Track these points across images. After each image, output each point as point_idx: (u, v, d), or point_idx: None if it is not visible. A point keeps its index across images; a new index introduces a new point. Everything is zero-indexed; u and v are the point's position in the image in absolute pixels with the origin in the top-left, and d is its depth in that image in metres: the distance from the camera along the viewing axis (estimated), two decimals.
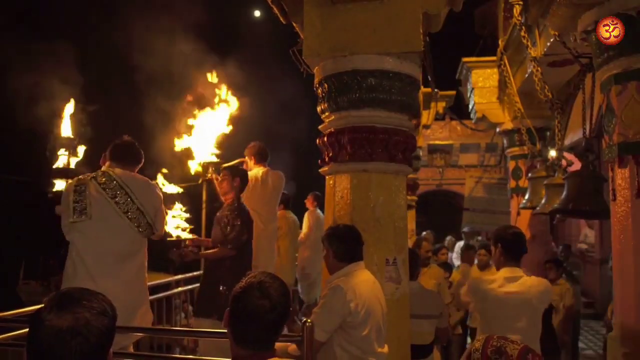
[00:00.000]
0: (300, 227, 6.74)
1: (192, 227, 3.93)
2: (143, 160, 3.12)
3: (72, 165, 3.53)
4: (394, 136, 2.73)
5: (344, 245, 2.53)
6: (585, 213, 4.56)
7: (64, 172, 3.42)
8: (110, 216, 2.82)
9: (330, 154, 2.84)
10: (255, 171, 4.59)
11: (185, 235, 3.79)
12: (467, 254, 6.33)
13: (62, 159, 3.49)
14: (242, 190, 3.93)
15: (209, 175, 4.36)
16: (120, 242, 2.84)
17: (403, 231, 2.82)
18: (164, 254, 3.44)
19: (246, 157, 4.71)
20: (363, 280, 2.49)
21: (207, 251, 3.91)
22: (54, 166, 3.46)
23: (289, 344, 2.36)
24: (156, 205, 2.98)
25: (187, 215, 3.94)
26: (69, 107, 3.61)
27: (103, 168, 2.98)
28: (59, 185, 3.35)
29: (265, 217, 4.49)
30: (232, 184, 3.86)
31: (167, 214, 3.36)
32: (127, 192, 2.84)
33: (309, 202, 6.89)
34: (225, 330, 1.55)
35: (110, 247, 2.81)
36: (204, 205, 4.81)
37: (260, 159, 4.69)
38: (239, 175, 3.92)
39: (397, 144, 2.74)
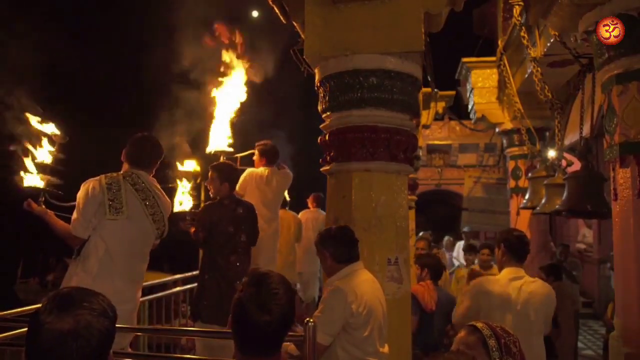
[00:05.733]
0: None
1: (196, 203, 3.98)
2: (161, 156, 3.12)
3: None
4: (395, 136, 2.73)
5: (341, 246, 2.51)
6: (586, 213, 4.57)
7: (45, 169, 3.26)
8: (140, 217, 2.88)
9: (332, 154, 2.83)
10: (261, 170, 4.61)
11: (187, 207, 3.85)
12: (473, 274, 5.95)
13: (42, 154, 3.30)
14: (231, 190, 3.91)
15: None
16: (145, 243, 2.93)
17: (404, 231, 2.82)
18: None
19: (256, 153, 4.73)
20: (363, 281, 2.47)
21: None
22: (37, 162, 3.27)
23: (288, 343, 2.35)
24: (169, 212, 3.09)
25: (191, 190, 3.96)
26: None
27: (126, 169, 3.00)
28: (33, 181, 3.20)
29: (268, 217, 4.50)
30: (218, 188, 3.86)
31: None
32: (154, 196, 2.93)
33: (309, 202, 6.91)
34: (220, 330, 1.53)
35: (139, 248, 2.88)
36: (202, 205, 4.79)
37: (268, 161, 4.71)
38: (228, 180, 3.89)
39: (398, 143, 2.74)
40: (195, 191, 4.04)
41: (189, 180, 3.92)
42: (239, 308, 1.46)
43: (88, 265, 2.76)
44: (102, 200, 2.78)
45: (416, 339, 3.94)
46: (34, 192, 3.02)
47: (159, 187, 3.07)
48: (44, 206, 2.97)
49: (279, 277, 1.52)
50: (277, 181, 4.63)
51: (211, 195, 3.99)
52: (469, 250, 6.69)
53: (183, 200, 3.88)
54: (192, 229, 3.75)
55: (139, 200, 2.87)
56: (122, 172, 2.97)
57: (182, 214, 3.74)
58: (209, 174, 3.94)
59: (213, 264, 3.68)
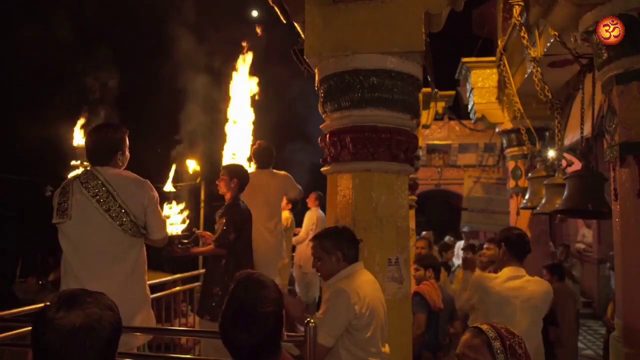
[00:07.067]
0: (299, 226, 6.74)
1: (187, 222, 3.87)
2: (122, 147, 2.86)
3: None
4: (396, 135, 2.72)
5: (353, 246, 2.49)
6: (587, 213, 4.57)
7: None
8: (91, 216, 2.70)
9: (332, 154, 2.83)
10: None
11: (177, 230, 3.66)
12: (467, 261, 6.06)
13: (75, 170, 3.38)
14: (241, 190, 3.91)
15: None
16: (103, 242, 2.71)
17: (405, 231, 2.81)
18: (155, 251, 3.33)
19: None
20: (365, 282, 2.46)
21: (199, 248, 3.89)
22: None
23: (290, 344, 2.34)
24: (144, 203, 2.79)
25: (181, 212, 3.87)
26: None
27: (89, 167, 2.88)
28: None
29: (262, 217, 4.45)
30: (228, 185, 3.85)
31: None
32: (109, 190, 2.70)
33: (310, 202, 6.90)
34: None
35: (93, 248, 2.69)
36: (202, 205, 4.77)
37: (258, 164, 4.61)
38: (237, 176, 3.89)
39: (399, 143, 2.74)
40: (188, 212, 3.93)
41: (177, 203, 3.79)
42: (220, 323, 1.49)
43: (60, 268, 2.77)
44: (54, 204, 2.74)
45: (424, 338, 3.95)
46: None
47: (133, 178, 2.81)
48: None
49: (264, 289, 1.52)
50: (261, 181, 4.49)
51: (220, 193, 3.97)
52: (467, 249, 6.69)
53: (173, 222, 3.72)
54: (193, 249, 3.71)
55: (88, 199, 2.69)
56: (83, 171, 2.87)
57: (172, 238, 3.55)
58: (220, 173, 3.95)
59: (236, 264, 3.66)
